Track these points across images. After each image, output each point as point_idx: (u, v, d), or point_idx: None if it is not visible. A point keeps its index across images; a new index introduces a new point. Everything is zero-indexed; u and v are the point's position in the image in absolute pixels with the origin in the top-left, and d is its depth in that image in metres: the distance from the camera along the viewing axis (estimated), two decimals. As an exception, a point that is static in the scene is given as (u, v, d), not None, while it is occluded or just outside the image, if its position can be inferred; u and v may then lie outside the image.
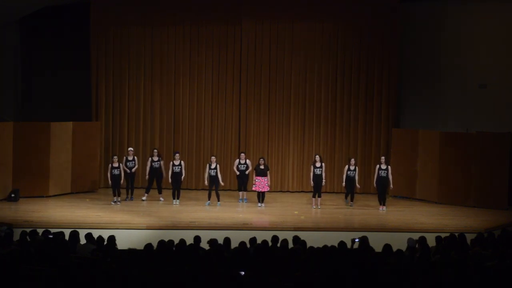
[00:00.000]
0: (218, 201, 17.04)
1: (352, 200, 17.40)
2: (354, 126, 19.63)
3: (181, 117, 19.69)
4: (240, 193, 17.72)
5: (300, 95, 19.63)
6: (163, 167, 17.61)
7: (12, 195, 17.12)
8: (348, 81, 19.57)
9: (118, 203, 16.93)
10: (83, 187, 18.59)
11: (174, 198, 17.26)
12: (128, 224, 14.67)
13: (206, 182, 17.11)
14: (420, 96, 19.97)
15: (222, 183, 17.23)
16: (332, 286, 8.14)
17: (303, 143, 19.68)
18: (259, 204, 17.05)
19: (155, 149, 17.95)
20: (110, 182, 17.08)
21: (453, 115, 19.58)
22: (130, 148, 17.92)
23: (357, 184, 17.34)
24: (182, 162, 17.35)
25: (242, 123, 19.73)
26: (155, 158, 17.56)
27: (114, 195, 17.00)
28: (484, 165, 17.52)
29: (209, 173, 16.97)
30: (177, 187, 17.23)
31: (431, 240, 11.47)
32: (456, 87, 19.54)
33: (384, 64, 19.40)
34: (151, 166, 17.53)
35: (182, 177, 17.25)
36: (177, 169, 17.10)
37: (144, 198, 17.61)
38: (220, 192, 17.32)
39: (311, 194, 17.32)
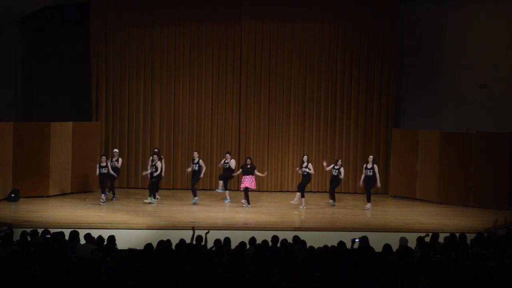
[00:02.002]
0: (195, 196, 17.13)
1: (333, 199, 17.33)
2: (354, 126, 19.63)
3: (181, 117, 19.69)
4: (227, 192, 17.70)
5: (300, 95, 19.64)
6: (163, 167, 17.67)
7: (12, 195, 17.12)
8: (348, 81, 19.57)
9: (104, 203, 16.90)
10: (83, 187, 18.60)
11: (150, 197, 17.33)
12: (128, 224, 14.68)
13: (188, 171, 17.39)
14: (420, 96, 19.96)
15: (200, 176, 17.34)
16: (332, 286, 8.15)
17: (303, 143, 19.68)
18: (244, 201, 16.97)
19: (155, 148, 17.99)
20: (98, 181, 17.09)
21: (453, 115, 19.58)
22: (115, 150, 17.90)
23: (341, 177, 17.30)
24: (159, 163, 17.38)
25: (242, 123, 19.73)
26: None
27: (103, 192, 16.98)
28: (484, 165, 17.51)
29: (192, 168, 17.14)
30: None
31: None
32: (456, 87, 19.53)
33: (384, 64, 19.41)
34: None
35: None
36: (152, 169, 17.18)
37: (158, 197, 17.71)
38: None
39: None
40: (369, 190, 17.00)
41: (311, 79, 19.56)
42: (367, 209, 16.84)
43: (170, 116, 19.72)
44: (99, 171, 17.00)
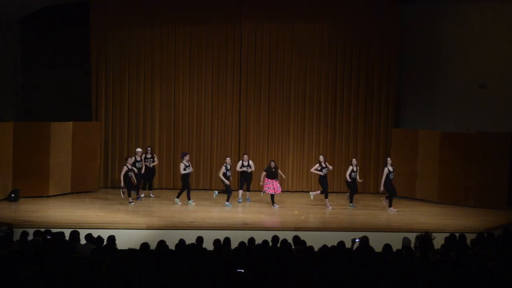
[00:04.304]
0: (217, 193, 17.42)
1: (351, 201, 17.48)
2: (354, 126, 19.64)
3: (181, 117, 19.69)
4: (241, 192, 17.77)
5: (300, 95, 19.64)
6: (155, 164, 17.93)
7: (12, 195, 17.12)
8: (348, 81, 19.58)
9: (133, 203, 16.98)
10: (83, 187, 18.60)
11: (189, 199, 17.32)
12: (128, 224, 14.68)
13: (227, 182, 17.21)
14: (420, 96, 19.97)
15: (227, 182, 17.37)
16: (332, 286, 8.14)
17: (303, 143, 19.69)
18: (276, 206, 17.08)
19: (149, 147, 18.07)
20: (123, 183, 16.97)
21: (453, 115, 19.58)
22: (139, 149, 17.90)
23: (359, 180, 17.45)
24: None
25: (242, 123, 19.74)
26: (148, 156, 17.74)
27: (130, 196, 17.03)
28: (484, 165, 17.52)
29: (225, 174, 17.21)
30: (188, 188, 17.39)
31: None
32: (456, 87, 19.54)
33: (384, 64, 19.41)
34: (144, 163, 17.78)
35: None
36: (189, 170, 17.21)
37: (142, 195, 17.90)
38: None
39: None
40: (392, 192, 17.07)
41: (311, 79, 19.56)
42: (395, 211, 16.87)
43: (170, 116, 19.71)
44: (126, 174, 16.93)
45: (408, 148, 18.64)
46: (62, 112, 19.62)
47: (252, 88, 19.61)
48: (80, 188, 18.53)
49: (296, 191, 19.52)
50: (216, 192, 17.75)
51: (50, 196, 17.79)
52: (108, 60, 19.48)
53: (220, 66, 19.64)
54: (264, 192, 17.24)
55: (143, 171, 17.68)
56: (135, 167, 17.31)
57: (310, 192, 17.53)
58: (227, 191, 17.20)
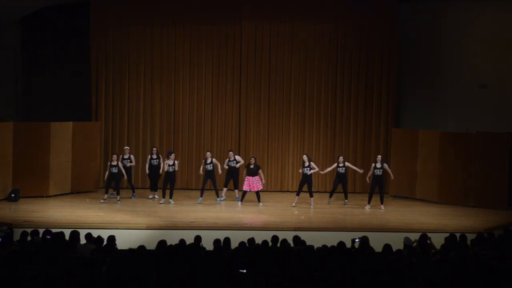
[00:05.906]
0: (218, 197, 17.15)
1: (346, 198, 17.48)
2: (354, 126, 19.64)
3: (181, 117, 19.69)
4: (225, 190, 17.71)
5: (300, 95, 19.64)
6: (161, 165, 17.65)
7: (12, 195, 17.12)
8: (348, 81, 19.57)
9: (104, 201, 17.01)
10: (83, 187, 18.59)
11: (169, 197, 17.31)
12: (128, 224, 14.67)
13: (201, 172, 17.34)
14: (420, 96, 19.97)
15: (219, 171, 17.36)
16: (332, 286, 8.15)
17: (303, 143, 19.68)
18: (239, 203, 17.07)
19: (154, 147, 18.06)
20: (106, 179, 17.24)
21: (453, 115, 19.58)
22: (126, 147, 18.05)
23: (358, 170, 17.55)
24: (177, 161, 17.39)
25: (242, 122, 19.74)
26: (154, 156, 17.67)
27: (106, 193, 17.14)
28: (484, 165, 17.51)
29: (205, 168, 17.12)
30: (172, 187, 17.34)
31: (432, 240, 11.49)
32: (456, 87, 19.54)
33: (384, 64, 19.41)
34: (150, 163, 17.69)
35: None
36: (171, 169, 17.16)
37: (151, 196, 17.86)
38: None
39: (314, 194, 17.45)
40: (381, 190, 17.02)
41: (311, 79, 19.56)
42: (367, 209, 16.90)
43: (170, 116, 19.71)
44: (110, 170, 17.06)
45: (408, 148, 18.63)
46: (62, 112, 19.63)
47: (252, 88, 19.62)
48: (80, 188, 18.53)
49: (296, 191, 19.47)
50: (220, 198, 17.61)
51: (50, 196, 17.78)
52: (108, 60, 19.47)
53: (220, 66, 19.64)
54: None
55: (133, 164, 17.77)
56: (122, 164, 17.42)
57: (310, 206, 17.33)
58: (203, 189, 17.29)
